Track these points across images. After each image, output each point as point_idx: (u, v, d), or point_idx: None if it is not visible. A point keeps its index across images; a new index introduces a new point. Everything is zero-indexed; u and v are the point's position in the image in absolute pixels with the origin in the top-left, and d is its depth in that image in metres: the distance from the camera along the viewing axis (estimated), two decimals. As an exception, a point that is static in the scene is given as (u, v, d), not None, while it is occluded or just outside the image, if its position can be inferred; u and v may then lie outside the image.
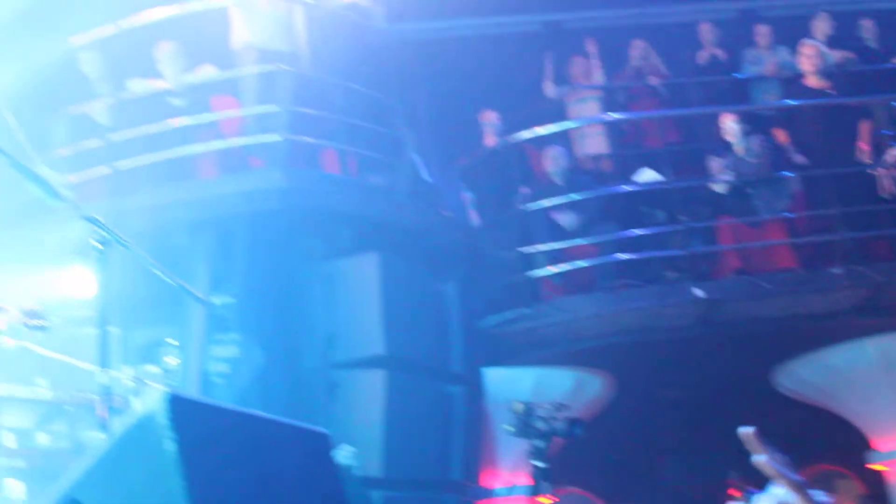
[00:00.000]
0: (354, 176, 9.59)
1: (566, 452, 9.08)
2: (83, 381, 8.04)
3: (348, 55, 9.39)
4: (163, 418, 3.00)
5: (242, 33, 9.32)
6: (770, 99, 10.62)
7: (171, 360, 9.19)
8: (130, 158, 9.07)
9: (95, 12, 9.39)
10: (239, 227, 9.06)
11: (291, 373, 8.98)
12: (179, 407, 3.05)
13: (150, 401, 3.10)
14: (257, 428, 3.53)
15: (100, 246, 4.03)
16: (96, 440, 7.41)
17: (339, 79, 9.39)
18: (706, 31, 11.26)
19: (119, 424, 3.33)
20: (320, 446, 3.81)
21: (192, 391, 8.73)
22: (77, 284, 9.71)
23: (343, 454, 7.44)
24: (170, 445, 2.98)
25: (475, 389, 9.79)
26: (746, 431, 2.29)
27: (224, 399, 8.77)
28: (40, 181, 4.10)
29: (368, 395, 8.80)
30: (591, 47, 10.99)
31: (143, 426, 3.05)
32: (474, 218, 10.34)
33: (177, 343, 9.25)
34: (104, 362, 4.03)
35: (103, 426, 4.38)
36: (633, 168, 10.31)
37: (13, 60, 9.58)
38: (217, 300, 8.69)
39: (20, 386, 7.16)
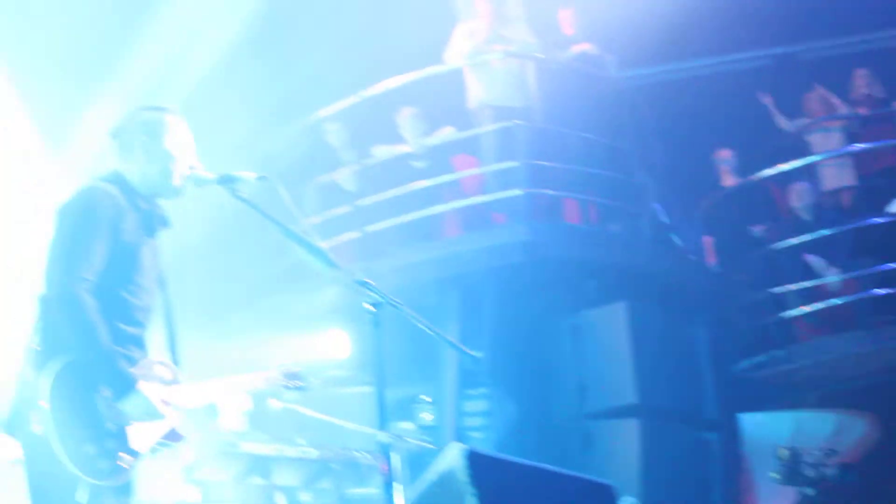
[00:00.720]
0: (596, 225, 9.61)
1: (835, 500, 8.70)
2: (343, 439, 8.38)
3: (582, 105, 9.46)
4: (463, 474, 3.08)
5: (478, 93, 9.55)
6: None
7: (426, 417, 9.41)
8: (377, 222, 9.40)
9: (338, 85, 9.85)
10: (485, 283, 9.22)
11: (544, 425, 9.03)
12: (477, 462, 3.13)
13: (449, 457, 3.19)
14: (547, 481, 3.58)
15: (372, 308, 4.14)
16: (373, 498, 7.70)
17: (574, 129, 9.44)
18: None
19: (420, 481, 3.44)
20: (606, 498, 3.82)
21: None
22: (333, 346, 10.15)
23: (627, 505, 7.36)
24: (471, 501, 3.06)
25: (731, 436, 9.53)
26: None
27: (479, 454, 8.90)
28: (314, 249, 4.27)
29: (623, 445, 8.74)
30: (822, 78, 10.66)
31: (444, 482, 3.14)
32: (714, 260, 10.16)
33: (430, 399, 9.48)
34: (382, 421, 4.13)
35: (384, 483, 4.50)
36: (878, 199, 9.89)
37: (266, 136, 10.17)
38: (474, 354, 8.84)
39: (287, 445, 7.39)
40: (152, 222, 4.19)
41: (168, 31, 9.71)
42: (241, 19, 10.02)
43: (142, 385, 3.90)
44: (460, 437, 9.05)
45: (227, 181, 4.23)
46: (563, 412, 9.10)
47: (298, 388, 4.94)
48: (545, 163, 9.22)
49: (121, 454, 3.85)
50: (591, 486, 3.86)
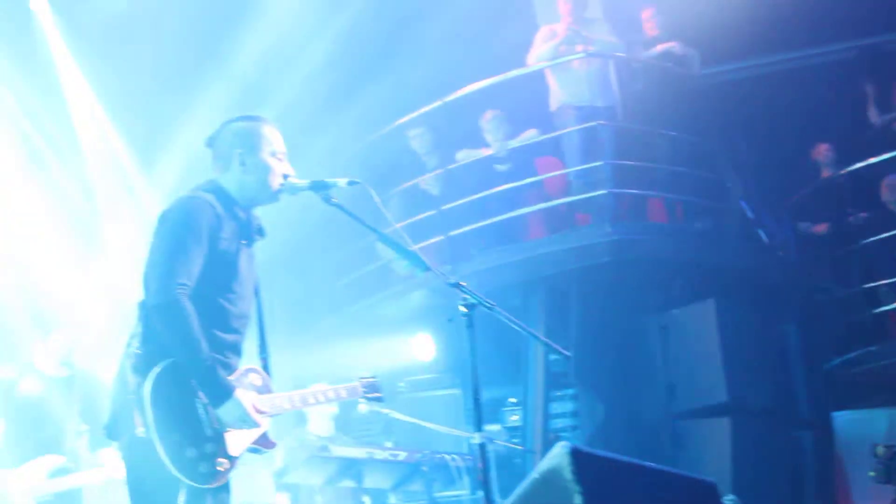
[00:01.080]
0: (681, 223, 9.56)
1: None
2: (431, 441, 8.46)
3: (666, 103, 9.41)
4: (568, 472, 3.12)
5: (560, 94, 9.57)
6: None
7: (513, 419, 9.47)
8: (461, 226, 9.47)
9: (421, 91, 9.94)
10: (571, 284, 9.25)
11: (633, 425, 9.02)
12: (581, 460, 3.16)
13: (554, 455, 3.23)
14: (652, 478, 3.60)
15: (465, 309, 4.20)
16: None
17: (658, 127, 9.40)
18: None
19: (525, 481, 3.48)
20: (709, 495, 3.83)
21: (536, 448, 8.92)
22: (420, 350, 10.25)
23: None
24: (577, 499, 3.09)
25: (824, 434, 9.39)
26: None
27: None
28: (407, 252, 4.35)
29: (714, 445, 8.68)
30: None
31: (549, 480, 3.18)
32: (801, 255, 10.03)
33: (517, 401, 9.53)
34: (477, 423, 4.17)
35: (476, 484, 4.55)
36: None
37: (351, 143, 10.31)
38: (561, 355, 8.86)
39: (377, 448, 7.47)
40: (249, 231, 4.30)
41: (257, 44, 9.93)
42: (327, 31, 10.20)
43: (238, 393, 4.00)
44: (547, 438, 9.09)
45: (320, 187, 4.31)
46: (651, 412, 9.07)
47: (377, 400, 5.05)
48: (629, 162, 9.21)
49: (219, 459, 3.95)
50: (695, 484, 3.87)
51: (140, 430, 3.82)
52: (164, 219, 4.12)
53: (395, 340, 10.34)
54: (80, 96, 9.96)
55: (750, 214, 9.91)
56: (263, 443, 4.21)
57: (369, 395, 4.98)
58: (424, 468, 7.48)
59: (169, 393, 3.87)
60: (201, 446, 3.91)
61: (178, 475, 3.82)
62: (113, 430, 4.09)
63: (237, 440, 4.05)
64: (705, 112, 9.59)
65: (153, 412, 3.81)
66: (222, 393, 3.93)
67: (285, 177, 4.31)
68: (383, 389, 5.11)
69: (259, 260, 4.45)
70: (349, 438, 8.50)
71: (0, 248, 9.06)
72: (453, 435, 8.63)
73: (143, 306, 4.04)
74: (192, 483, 3.85)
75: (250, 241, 4.32)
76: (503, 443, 8.50)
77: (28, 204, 9.41)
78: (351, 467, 7.18)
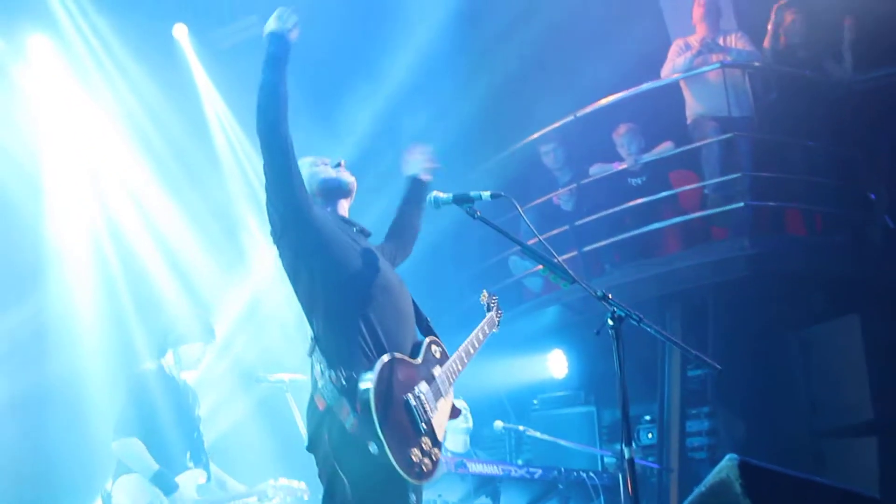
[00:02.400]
0: (821, 236, 9.37)
1: None
2: (566, 458, 8.48)
3: (804, 113, 9.25)
4: (737, 486, 3.13)
5: (696, 105, 9.50)
6: None
7: (649, 436, 9.42)
8: (595, 241, 9.47)
9: (555, 107, 10.00)
10: (708, 299, 9.18)
11: (774, 444, 8.86)
12: (751, 473, 3.16)
13: (722, 469, 3.23)
14: (818, 492, 3.58)
15: (612, 322, 4.22)
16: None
17: (797, 138, 9.25)
18: None
19: (692, 495, 3.49)
20: (874, 512, 3.79)
21: (673, 467, 8.86)
22: (554, 366, 10.29)
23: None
24: (746, 512, 3.09)
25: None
26: None
27: (704, 472, 8.83)
28: (552, 264, 4.41)
29: (860, 464, 8.50)
30: None
31: (717, 493, 3.19)
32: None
33: (652, 419, 9.47)
34: (627, 438, 4.18)
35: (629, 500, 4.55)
36: None
37: (484, 160, 10.43)
38: (698, 371, 8.83)
39: (513, 466, 7.52)
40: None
41: (395, 64, 10.15)
42: (462, 50, 10.36)
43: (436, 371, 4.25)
44: (684, 456, 9.01)
45: (463, 200, 4.42)
46: (793, 430, 8.92)
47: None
48: (767, 174, 9.09)
49: (434, 450, 4.07)
50: (860, 500, 3.83)
51: (372, 447, 3.87)
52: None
53: (528, 357, 10.41)
54: (219, 118, 10.36)
55: (893, 226, 9.65)
56: (454, 413, 4.36)
57: (499, 315, 5.16)
58: (560, 486, 7.50)
59: (383, 401, 3.95)
60: (420, 443, 4.02)
61: (413, 481, 3.95)
62: (312, 445, 4.18)
63: (440, 423, 4.17)
64: (845, 121, 9.37)
65: (380, 426, 3.89)
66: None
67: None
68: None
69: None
70: (484, 454, 8.57)
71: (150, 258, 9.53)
72: (587, 452, 8.67)
73: (317, 338, 4.19)
74: (420, 482, 3.99)
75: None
76: (640, 461, 8.47)
77: (173, 221, 9.83)
78: (487, 485, 7.23)
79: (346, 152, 4.78)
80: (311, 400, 4.12)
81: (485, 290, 5.31)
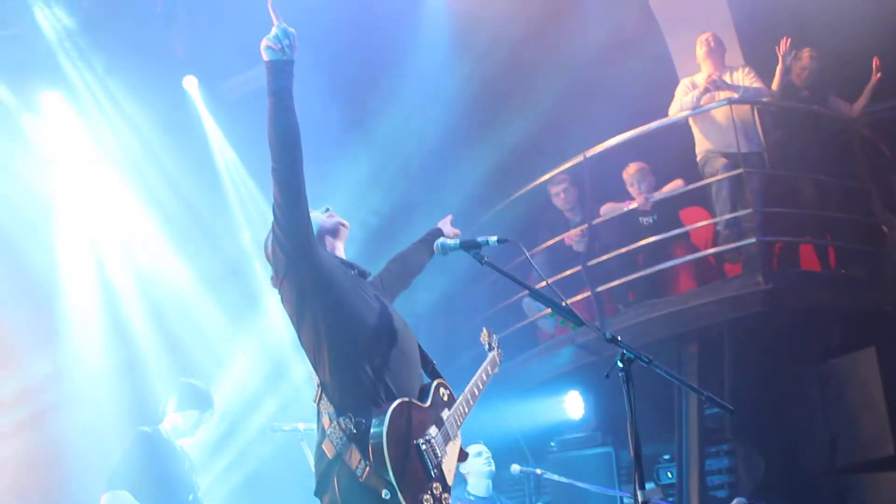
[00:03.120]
0: (836, 270, 9.39)
1: None
2: (581, 501, 8.50)
3: (814, 146, 9.32)
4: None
5: (704, 143, 9.57)
6: None
7: (668, 475, 9.42)
8: (608, 281, 9.51)
9: (559, 148, 10.10)
10: (724, 336, 9.19)
11: (794, 480, 8.87)
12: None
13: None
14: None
15: (621, 364, 4.25)
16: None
17: (807, 172, 9.30)
18: None
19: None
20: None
21: (693, 504, 8.85)
22: (570, 408, 10.31)
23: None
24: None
25: None
26: None
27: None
28: (561, 308, 4.44)
29: (882, 500, 8.44)
30: None
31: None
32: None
33: (671, 458, 9.47)
34: (640, 480, 4.20)
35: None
36: None
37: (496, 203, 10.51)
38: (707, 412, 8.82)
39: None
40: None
41: (397, 108, 10.29)
42: (467, 88, 10.49)
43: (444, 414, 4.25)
44: (705, 495, 9.00)
45: (471, 246, 4.47)
46: (813, 466, 8.91)
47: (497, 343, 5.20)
48: (778, 209, 9.14)
49: (444, 496, 4.10)
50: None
51: (385, 494, 3.88)
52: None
53: (544, 399, 10.43)
54: (228, 168, 10.51)
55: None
56: (462, 457, 4.37)
57: (500, 353, 5.17)
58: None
59: (395, 448, 3.94)
60: (431, 489, 4.03)
61: None
62: (319, 491, 4.15)
63: (449, 467, 4.19)
64: (856, 153, 9.43)
65: (394, 476, 3.89)
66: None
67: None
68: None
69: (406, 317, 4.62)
70: (506, 498, 8.59)
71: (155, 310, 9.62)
72: (606, 494, 8.66)
73: (323, 384, 4.19)
74: None
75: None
76: (659, 500, 8.46)
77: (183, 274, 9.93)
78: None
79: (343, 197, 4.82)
80: (319, 447, 4.12)
81: (484, 328, 5.32)
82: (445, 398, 4.40)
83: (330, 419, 4.08)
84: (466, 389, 4.62)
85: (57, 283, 9.50)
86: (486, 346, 5.23)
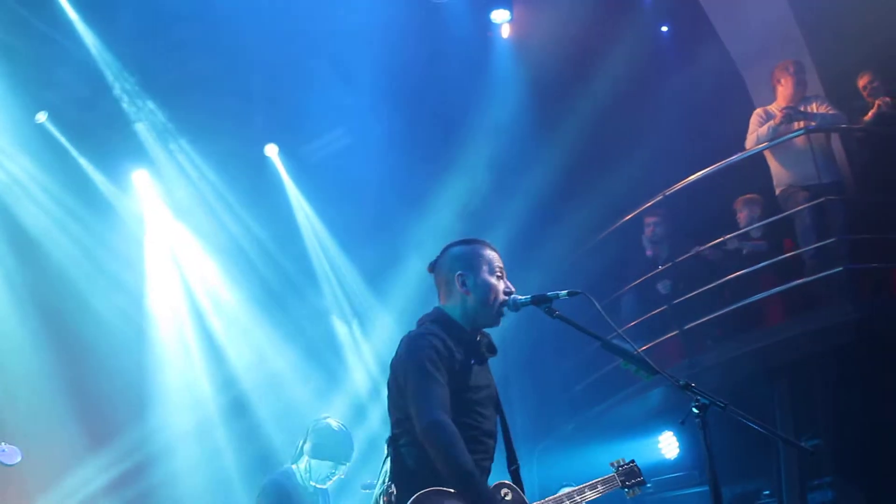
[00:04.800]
0: (929, 294, 9.28)
1: None
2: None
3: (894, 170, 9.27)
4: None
5: (783, 174, 9.62)
6: None
7: (768, 512, 9.36)
8: (696, 319, 9.57)
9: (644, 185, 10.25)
10: (816, 368, 9.14)
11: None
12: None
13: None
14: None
15: (697, 410, 4.33)
16: None
17: (890, 196, 9.25)
18: None
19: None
20: None
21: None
22: (665, 448, 10.34)
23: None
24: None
25: None
26: None
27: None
28: (632, 357, 4.50)
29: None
30: None
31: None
32: None
33: (769, 494, 9.41)
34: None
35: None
36: None
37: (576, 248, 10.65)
38: (813, 443, 8.76)
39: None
40: (479, 350, 4.61)
41: (476, 164, 10.55)
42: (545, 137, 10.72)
43: None
44: (808, 531, 8.93)
45: (542, 301, 4.57)
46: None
47: (639, 485, 5.21)
48: (864, 235, 9.10)
49: None
50: None
51: None
52: (401, 361, 4.44)
53: (639, 440, 10.46)
54: (312, 229, 10.85)
55: None
56: None
57: (629, 483, 5.17)
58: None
59: None
60: None
61: None
62: None
63: None
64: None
65: None
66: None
67: (508, 294, 4.61)
68: (642, 472, 5.28)
69: (497, 373, 4.75)
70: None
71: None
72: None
73: (393, 442, 4.37)
74: None
75: (481, 360, 4.60)
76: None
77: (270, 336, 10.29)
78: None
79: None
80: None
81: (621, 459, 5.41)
82: (509, 497, 4.47)
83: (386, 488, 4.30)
84: (550, 499, 4.73)
85: (147, 354, 9.93)
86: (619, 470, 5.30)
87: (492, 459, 4.49)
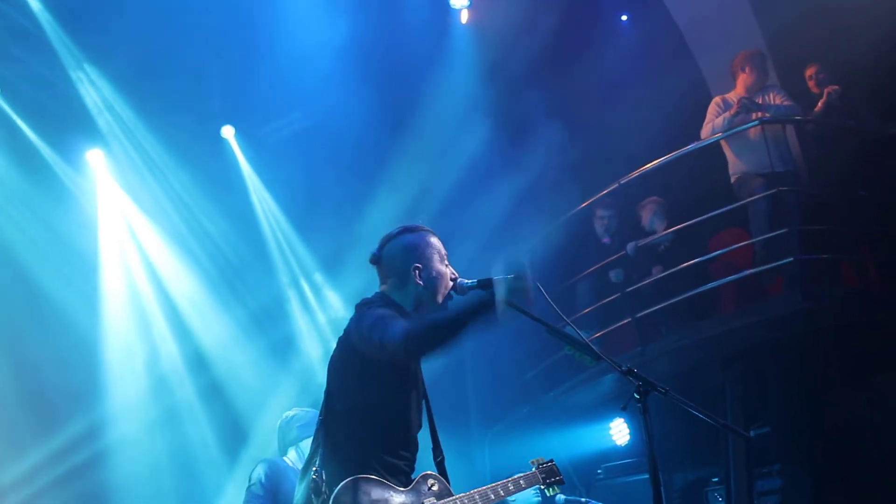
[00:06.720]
0: (877, 286, 9.46)
1: None
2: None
3: (848, 162, 9.42)
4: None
5: (738, 163, 9.77)
6: None
7: (718, 498, 9.51)
8: (649, 307, 9.71)
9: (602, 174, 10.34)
10: (767, 357, 9.30)
11: (847, 500, 8.89)
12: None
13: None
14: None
15: (638, 396, 4.40)
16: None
17: (843, 188, 9.41)
18: None
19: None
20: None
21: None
22: (616, 434, 10.47)
23: None
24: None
25: None
26: None
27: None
28: (578, 343, 4.55)
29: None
30: None
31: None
32: None
33: (718, 481, 9.57)
34: (662, 508, 4.36)
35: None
36: None
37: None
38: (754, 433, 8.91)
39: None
40: None
41: (429, 143, 10.60)
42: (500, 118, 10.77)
43: None
44: (756, 517, 9.09)
45: (487, 285, 4.53)
46: (865, 486, 8.92)
47: (557, 483, 5.30)
48: (816, 227, 9.27)
49: None
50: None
51: None
52: (353, 323, 4.47)
53: (590, 427, 10.58)
54: (266, 211, 10.87)
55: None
56: None
57: (549, 481, 5.26)
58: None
59: None
60: None
61: None
62: None
63: None
64: (890, 166, 9.50)
65: None
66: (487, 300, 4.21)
67: (454, 279, 4.65)
68: (561, 472, 5.36)
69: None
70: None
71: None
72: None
73: (324, 424, 4.43)
74: None
75: None
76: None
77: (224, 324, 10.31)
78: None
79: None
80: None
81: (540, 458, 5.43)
82: (436, 488, 4.53)
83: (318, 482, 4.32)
84: (476, 491, 4.72)
85: (100, 335, 9.90)
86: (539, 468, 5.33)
87: (415, 448, 4.56)
